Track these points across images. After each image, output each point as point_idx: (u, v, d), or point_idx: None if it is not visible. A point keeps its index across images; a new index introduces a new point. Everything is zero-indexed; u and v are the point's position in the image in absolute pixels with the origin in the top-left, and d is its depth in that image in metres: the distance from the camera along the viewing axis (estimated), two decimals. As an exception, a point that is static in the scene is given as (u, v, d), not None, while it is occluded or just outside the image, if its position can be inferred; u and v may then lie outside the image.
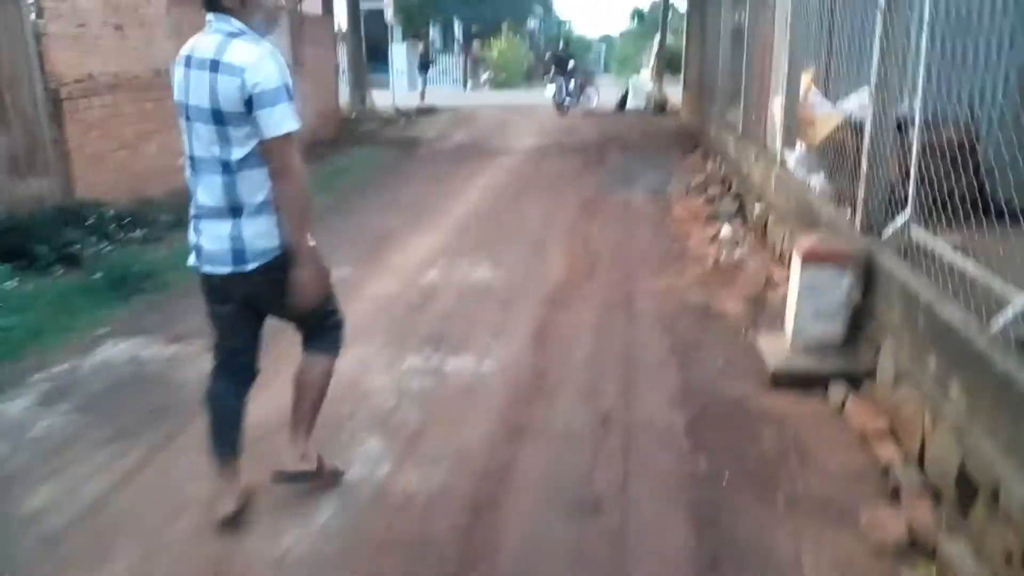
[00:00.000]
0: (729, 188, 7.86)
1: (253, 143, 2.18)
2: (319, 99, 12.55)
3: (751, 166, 6.88)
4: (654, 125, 14.94)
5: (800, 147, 5.68)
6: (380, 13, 28.65)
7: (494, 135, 14.29)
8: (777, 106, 6.07)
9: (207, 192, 2.25)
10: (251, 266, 2.26)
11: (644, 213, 7.43)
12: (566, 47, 18.29)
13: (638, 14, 55.54)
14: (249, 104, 2.11)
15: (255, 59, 2.11)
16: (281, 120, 2.13)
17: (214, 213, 2.26)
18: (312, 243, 2.30)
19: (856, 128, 5.26)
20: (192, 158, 2.27)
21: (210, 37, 2.18)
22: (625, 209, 7.63)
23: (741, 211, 6.81)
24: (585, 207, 7.73)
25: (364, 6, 30.34)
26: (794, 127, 5.69)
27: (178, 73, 2.24)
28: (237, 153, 2.18)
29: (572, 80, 17.69)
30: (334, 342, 2.58)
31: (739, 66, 9.74)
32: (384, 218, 7.04)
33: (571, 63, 17.74)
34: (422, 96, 18.67)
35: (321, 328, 2.54)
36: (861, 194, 3.73)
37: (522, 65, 32.92)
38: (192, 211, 2.33)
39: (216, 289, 2.36)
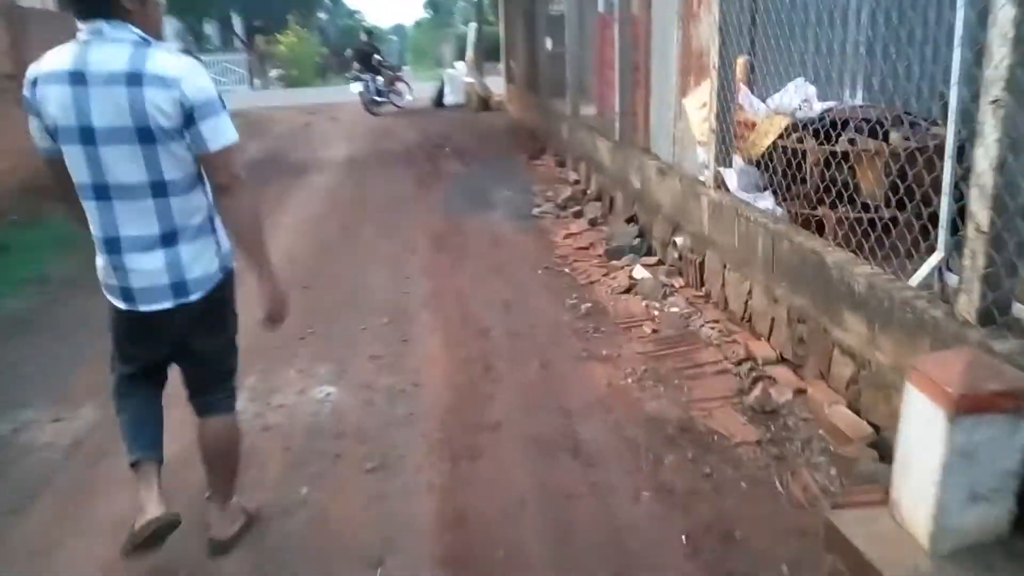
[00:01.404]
0: (611, 207, 6.39)
1: (189, 160, 1.99)
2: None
3: (649, 183, 5.42)
4: (482, 124, 13.33)
5: (737, 161, 4.27)
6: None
7: (297, 144, 11.96)
8: (693, 106, 4.61)
9: (131, 222, 1.99)
10: (194, 296, 2.08)
11: (519, 249, 5.73)
12: (370, 39, 16.17)
13: (432, 3, 54.22)
14: (189, 118, 1.92)
15: (188, 69, 1.94)
16: (225, 130, 1.98)
17: (142, 245, 2.01)
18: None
19: (809, 131, 3.95)
20: (98, 187, 1.96)
21: (110, 47, 1.90)
22: (493, 244, 5.89)
23: (643, 241, 5.33)
24: (440, 245, 5.90)
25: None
26: (727, 134, 4.25)
27: (57, 93, 1.90)
28: (172, 173, 1.98)
29: (380, 76, 15.64)
30: (232, 397, 2.32)
31: (589, 56, 8.40)
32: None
33: (377, 57, 15.67)
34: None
35: (221, 376, 2.28)
36: (978, 260, 2.26)
37: (315, 60, 30.10)
38: (105, 248, 2.04)
39: (147, 329, 2.13)
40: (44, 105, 1.94)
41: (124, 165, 1.94)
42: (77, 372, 3.73)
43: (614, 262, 5.08)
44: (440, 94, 16.41)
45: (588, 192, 7.04)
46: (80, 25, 1.92)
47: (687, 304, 4.21)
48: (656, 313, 4.16)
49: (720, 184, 4.27)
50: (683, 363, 3.54)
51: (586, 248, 5.54)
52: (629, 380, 3.41)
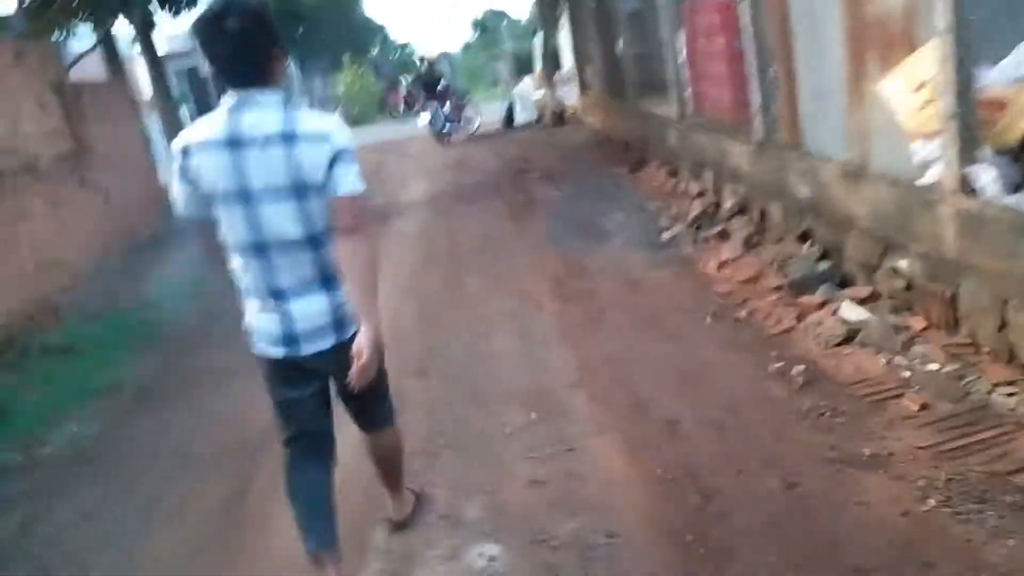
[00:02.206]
0: (764, 222, 5.24)
1: None
2: (125, 186, 9.11)
3: (827, 190, 4.26)
4: (563, 139, 12.33)
5: (986, 154, 3.09)
6: (196, 71, 25.05)
7: (372, 185, 11.19)
8: (903, 88, 3.46)
9: (289, 273, 2.11)
10: (349, 333, 2.14)
11: (666, 290, 4.66)
12: (432, 68, 15.47)
13: (480, 25, 53.97)
14: (331, 163, 2.01)
15: (334, 124, 2.08)
16: (355, 179, 2.05)
17: (304, 291, 2.13)
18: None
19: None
20: (258, 244, 2.07)
21: (261, 112, 2.01)
22: (630, 287, 4.84)
23: (834, 266, 4.16)
24: (564, 294, 4.88)
25: (176, 65, 26.44)
26: (971, 119, 3.09)
27: (214, 159, 2.02)
28: (322, 224, 2.06)
29: (447, 103, 14.87)
30: (391, 408, 2.47)
31: (693, 49, 7.29)
32: (237, 402, 3.85)
33: (442, 84, 14.93)
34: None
35: (381, 399, 2.40)
36: None
37: (373, 97, 29.85)
38: (266, 299, 2.14)
39: (303, 371, 2.21)
40: (200, 172, 2.04)
41: (282, 222, 2.04)
42: (149, 537, 2.85)
43: (804, 298, 3.94)
44: (509, 114, 15.52)
45: (724, 206, 5.90)
46: (230, 92, 2.02)
47: (947, 357, 3.03)
48: (907, 374, 3.01)
49: (966, 187, 3.10)
50: (998, 462, 2.39)
51: (754, 280, 4.42)
52: (931, 502, 2.28)
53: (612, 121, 11.09)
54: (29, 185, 6.64)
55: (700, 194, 6.63)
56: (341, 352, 2.12)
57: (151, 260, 8.10)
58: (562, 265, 5.52)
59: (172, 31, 30.39)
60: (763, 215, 5.28)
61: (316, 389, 2.26)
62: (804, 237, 4.57)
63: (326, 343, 2.15)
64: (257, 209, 2.03)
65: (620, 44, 11.94)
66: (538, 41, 14.07)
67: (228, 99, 2.02)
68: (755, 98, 5.24)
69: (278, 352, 2.17)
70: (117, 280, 7.33)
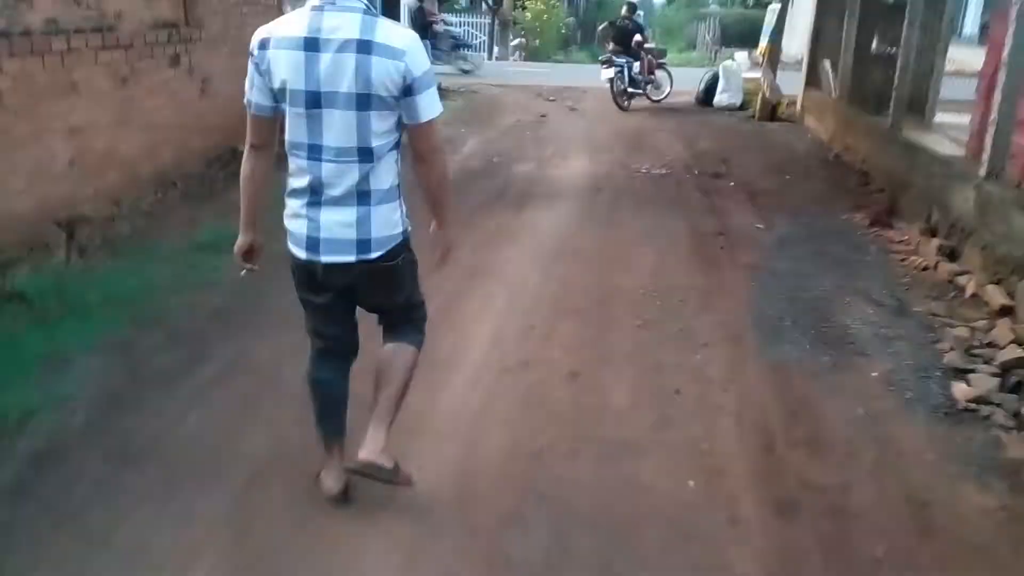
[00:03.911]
0: None
1: (394, 130, 2.12)
2: (236, 82, 7.53)
3: None
4: (774, 141, 9.71)
5: None
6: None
7: (524, 149, 9.17)
8: None
9: (337, 181, 2.10)
10: (374, 255, 2.17)
11: (988, 557, 2.42)
12: (631, 14, 12.99)
13: (691, -22, 49.61)
14: (408, 89, 2.03)
15: (412, 42, 2.05)
16: (434, 103, 2.10)
17: (339, 201, 2.12)
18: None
19: None
20: (316, 147, 2.08)
21: (342, 15, 2.00)
22: (919, 522, 2.59)
23: None
24: (786, 495, 2.71)
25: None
26: None
27: (290, 57, 2.01)
28: (379, 140, 2.08)
29: (639, 60, 12.46)
30: (419, 333, 2.47)
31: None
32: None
33: (639, 37, 12.48)
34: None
35: (408, 319, 2.44)
36: None
37: (560, 31, 27.44)
38: (303, 199, 2.15)
39: (319, 279, 2.21)
40: (273, 66, 2.03)
41: (340, 129, 2.04)
42: None
43: None
44: (709, 90, 12.87)
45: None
46: None
47: None
48: None
49: None
50: None
51: None
52: None
53: (848, 137, 8.42)
54: (95, 51, 5.09)
55: (1007, 311, 4.16)
56: (362, 270, 2.16)
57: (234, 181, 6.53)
58: (778, 402, 3.31)
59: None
60: None
61: (332, 298, 2.26)
62: None
63: (346, 257, 2.14)
64: (320, 112, 2.02)
65: (876, 41, 9.14)
66: (772, 11, 11.26)
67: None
68: None
69: (301, 254, 2.18)
70: (171, 209, 5.76)
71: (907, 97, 6.88)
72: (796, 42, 14.55)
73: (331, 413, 2.43)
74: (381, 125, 2.05)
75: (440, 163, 2.22)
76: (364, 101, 2.00)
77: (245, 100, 2.15)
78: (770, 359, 3.70)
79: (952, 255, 5.07)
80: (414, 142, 2.14)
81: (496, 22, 24.60)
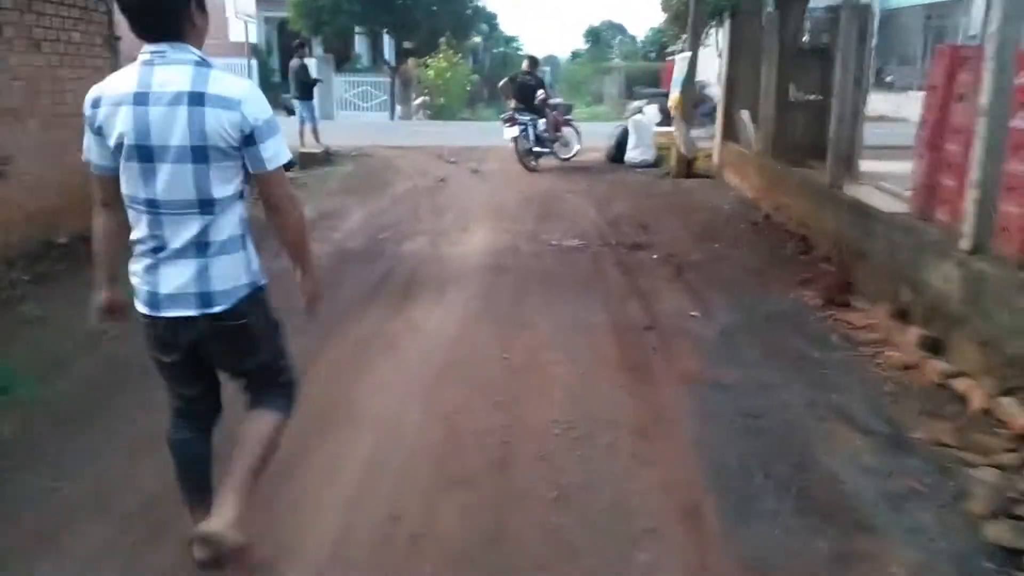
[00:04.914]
0: None
1: (237, 179, 2.07)
2: (50, 158, 6.08)
3: None
4: (695, 201, 8.79)
5: None
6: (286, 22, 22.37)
7: (419, 219, 7.95)
8: None
9: (175, 234, 2.04)
10: (217, 309, 2.08)
11: None
12: (532, 69, 12.11)
13: (594, 34, 50.55)
14: (249, 139, 2.00)
15: (248, 91, 2.01)
16: (279, 150, 2.06)
17: (179, 254, 2.05)
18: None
19: None
20: (152, 200, 2.02)
21: (172, 68, 1.96)
22: None
23: None
24: None
25: (267, 12, 23.73)
26: None
27: (123, 112, 1.96)
28: (221, 191, 2.03)
29: (543, 119, 11.54)
30: (287, 399, 2.34)
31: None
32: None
33: (542, 92, 11.59)
34: (314, 136, 12.19)
35: (273, 384, 2.31)
36: None
37: (464, 89, 26.72)
38: (144, 255, 2.09)
39: (173, 334, 2.12)
40: (106, 124, 2.00)
41: (175, 182, 1.99)
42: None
43: None
44: (620, 146, 12.06)
45: None
46: (144, 46, 1.98)
47: None
48: None
49: None
50: None
51: None
52: None
53: (778, 195, 7.56)
54: None
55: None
56: (209, 328, 2.08)
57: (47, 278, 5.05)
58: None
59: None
60: None
61: (181, 357, 2.16)
62: None
63: (187, 311, 2.07)
64: (153, 166, 1.99)
65: (795, 89, 8.47)
66: (682, 60, 10.55)
67: (143, 53, 1.98)
68: None
69: (144, 310, 2.12)
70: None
71: (846, 149, 6.04)
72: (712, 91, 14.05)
73: (191, 475, 2.31)
74: (221, 176, 2.02)
75: (293, 210, 2.14)
76: (200, 153, 1.97)
77: (84, 159, 2.11)
78: (744, 555, 2.48)
79: (936, 347, 4.07)
80: (263, 192, 2.09)
81: (397, 81, 23.63)
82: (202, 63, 1.98)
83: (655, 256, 6.41)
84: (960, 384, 3.71)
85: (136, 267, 2.11)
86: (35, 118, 5.92)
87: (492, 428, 3.34)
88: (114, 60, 7.15)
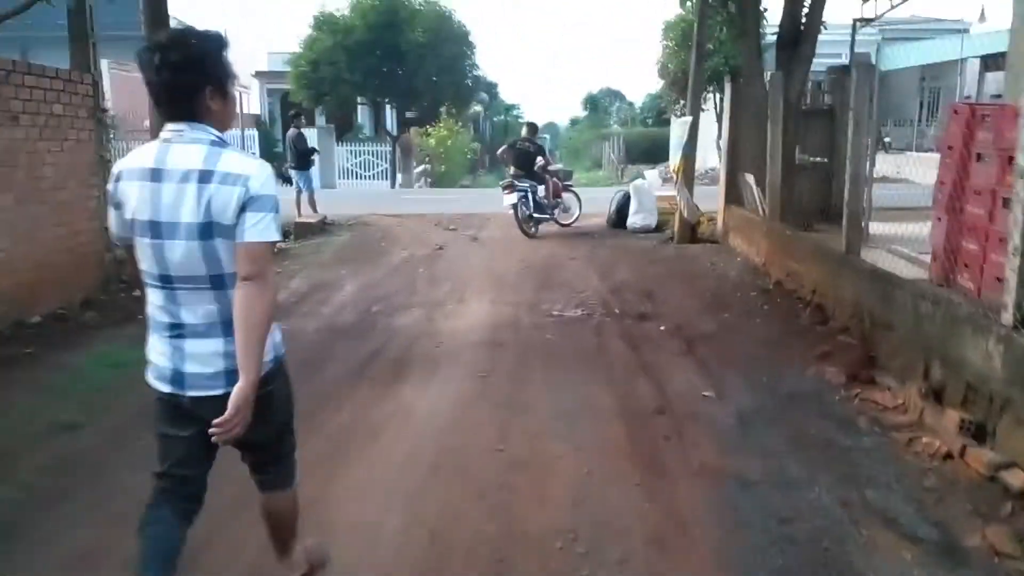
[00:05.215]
0: None
1: None
2: (42, 232, 5.82)
3: None
4: (700, 268, 8.48)
5: None
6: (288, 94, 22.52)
7: (414, 291, 7.63)
8: None
9: (189, 311, 2.05)
10: None
11: None
12: (532, 135, 12.01)
13: (592, 101, 51.36)
14: (242, 207, 1.96)
15: (257, 168, 2.02)
16: (269, 227, 2.00)
17: (201, 332, 2.06)
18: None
19: None
20: (164, 276, 2.04)
21: (187, 147, 2.01)
22: None
23: None
24: None
25: (270, 85, 23.95)
26: None
27: (137, 188, 2.02)
28: (231, 267, 2.01)
29: (542, 184, 11.36)
30: (291, 472, 2.40)
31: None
32: None
33: (541, 160, 11.44)
34: (311, 205, 12.03)
35: (279, 455, 2.34)
36: None
37: (465, 156, 26.88)
38: (164, 332, 2.09)
39: (186, 411, 2.12)
40: (124, 198, 2.05)
41: (187, 258, 2.00)
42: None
43: None
44: (621, 211, 11.84)
45: None
46: (166, 125, 2.04)
47: None
48: None
49: None
50: None
51: None
52: None
53: (788, 261, 7.24)
54: None
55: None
56: (224, 403, 2.01)
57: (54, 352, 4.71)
58: None
59: (271, 48, 28.49)
60: None
61: (196, 432, 2.13)
62: None
63: (215, 390, 2.06)
64: (166, 242, 2.01)
65: (802, 151, 8.27)
66: (681, 125, 10.40)
67: (164, 131, 2.04)
68: None
69: (164, 387, 2.11)
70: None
71: (861, 213, 5.74)
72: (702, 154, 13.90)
73: (159, 563, 2.14)
74: (230, 251, 1.99)
75: (269, 290, 2.02)
76: (206, 230, 1.97)
77: (111, 233, 2.17)
78: None
79: (979, 434, 3.66)
80: (238, 262, 1.99)
81: (398, 149, 23.74)
82: (218, 143, 2.02)
83: (662, 327, 6.05)
84: (1012, 478, 3.29)
85: (155, 343, 2.12)
86: (9, 192, 5.67)
87: (484, 539, 2.92)
88: (100, 132, 6.97)
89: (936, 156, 6.79)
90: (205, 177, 1.95)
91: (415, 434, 3.96)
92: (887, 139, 21.93)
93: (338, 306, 6.91)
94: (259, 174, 2.00)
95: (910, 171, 11.83)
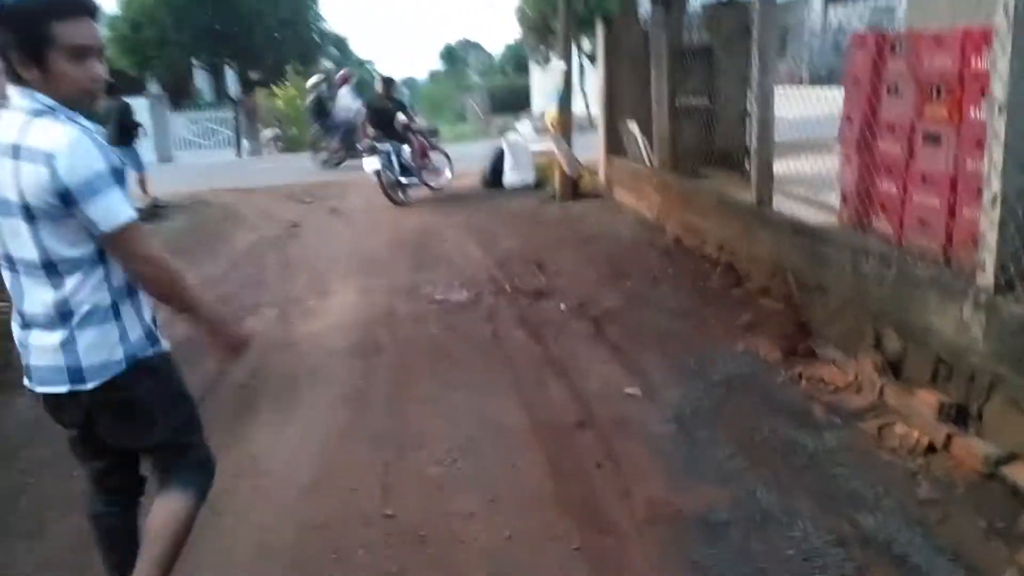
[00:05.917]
0: None
1: (80, 240, 1.80)
2: None
3: None
4: (593, 229, 7.67)
5: None
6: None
7: (264, 281, 6.41)
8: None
9: (34, 299, 1.86)
10: (90, 385, 1.86)
11: None
12: (389, 91, 10.77)
13: (450, 53, 49.74)
14: (65, 197, 1.73)
15: (65, 143, 1.73)
16: (114, 208, 1.76)
17: (42, 322, 1.87)
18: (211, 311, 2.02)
19: None
20: (9, 258, 1.86)
21: (13, 116, 1.80)
22: None
23: None
24: None
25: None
26: None
27: None
28: (63, 254, 1.81)
29: (407, 144, 10.22)
30: (197, 478, 2.08)
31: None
32: None
33: (402, 117, 10.25)
34: (140, 185, 10.27)
35: (180, 464, 2.06)
36: None
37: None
38: (16, 321, 1.92)
39: (57, 409, 1.95)
40: None
41: (18, 240, 1.82)
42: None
43: None
44: (496, 169, 10.91)
45: None
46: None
47: None
48: None
49: None
50: None
51: None
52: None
53: (684, 215, 6.59)
54: None
55: None
56: (93, 402, 1.89)
57: None
58: None
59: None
60: None
61: (77, 431, 2.00)
62: None
63: (58, 386, 1.87)
64: (3, 220, 1.82)
65: (691, 95, 7.64)
66: (558, 73, 9.49)
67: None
68: None
69: (26, 383, 1.96)
70: None
71: (766, 159, 5.10)
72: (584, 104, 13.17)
73: (110, 550, 2.12)
74: (59, 236, 1.78)
75: (154, 272, 1.87)
76: (27, 211, 1.76)
77: None
78: None
79: (963, 418, 3.07)
80: (114, 256, 1.84)
81: (242, 114, 21.56)
82: (40, 112, 1.77)
83: (562, 306, 5.23)
84: (1017, 474, 2.71)
85: (15, 335, 1.96)
86: None
87: None
88: None
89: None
90: (15, 151, 1.75)
91: (268, 509, 2.92)
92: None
93: (164, 318, 5.61)
94: (69, 151, 1.72)
95: (780, 108, 11.68)
